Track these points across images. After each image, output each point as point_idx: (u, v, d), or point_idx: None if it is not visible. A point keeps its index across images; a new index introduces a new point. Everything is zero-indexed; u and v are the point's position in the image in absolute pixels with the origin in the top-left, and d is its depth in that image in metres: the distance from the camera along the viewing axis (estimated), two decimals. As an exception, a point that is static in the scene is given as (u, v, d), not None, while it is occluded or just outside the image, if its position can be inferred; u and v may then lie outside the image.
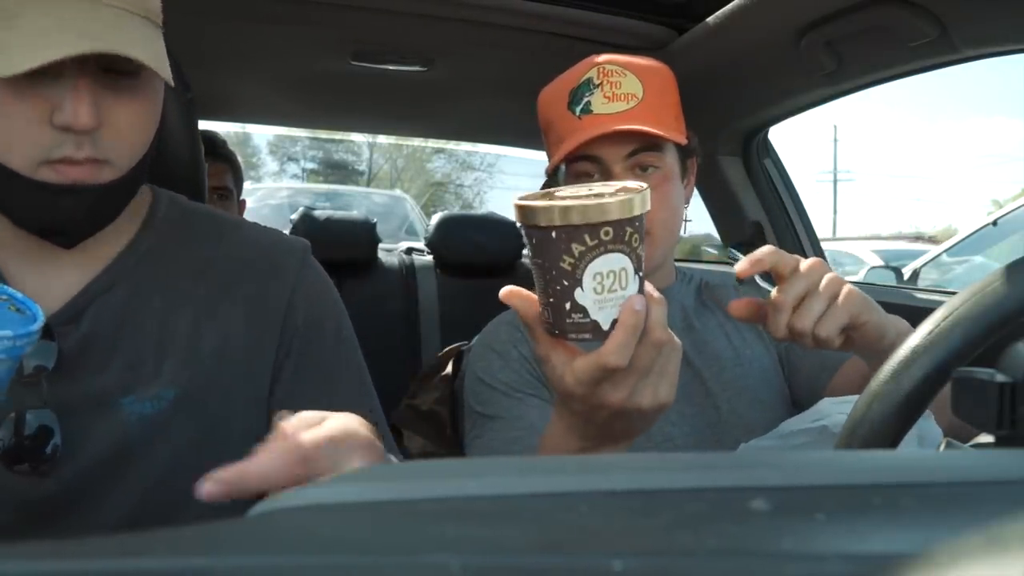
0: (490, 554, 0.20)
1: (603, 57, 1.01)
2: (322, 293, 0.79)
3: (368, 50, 1.58)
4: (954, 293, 0.54)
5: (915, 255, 5.30)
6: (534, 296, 0.61)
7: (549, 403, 0.96)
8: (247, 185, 2.13)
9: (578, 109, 0.98)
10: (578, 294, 0.56)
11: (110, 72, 0.64)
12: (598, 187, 0.60)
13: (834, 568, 0.19)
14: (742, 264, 0.76)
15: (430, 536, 0.22)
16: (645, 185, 0.58)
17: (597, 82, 0.98)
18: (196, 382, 0.71)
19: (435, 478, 0.25)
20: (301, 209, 2.03)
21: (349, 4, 1.34)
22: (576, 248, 0.55)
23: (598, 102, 0.97)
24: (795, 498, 0.24)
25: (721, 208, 1.83)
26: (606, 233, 0.55)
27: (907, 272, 3.80)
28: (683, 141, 0.99)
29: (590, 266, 0.56)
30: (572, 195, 0.58)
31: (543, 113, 1.05)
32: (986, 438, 0.43)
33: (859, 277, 3.52)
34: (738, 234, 1.82)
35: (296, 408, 0.71)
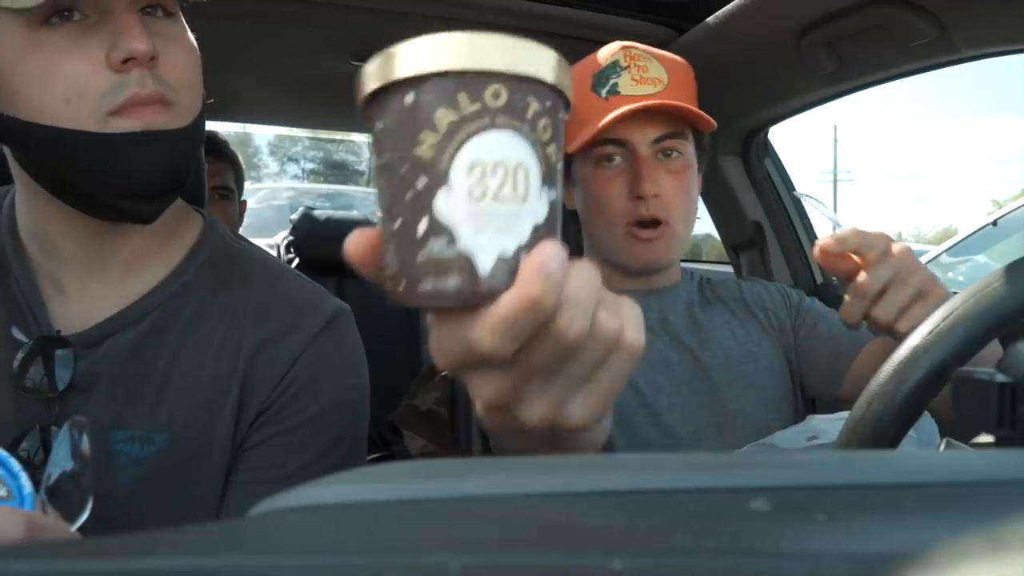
0: (490, 554, 0.20)
1: (627, 43, 1.00)
2: (332, 362, 0.72)
3: (368, 50, 1.57)
4: (954, 293, 0.54)
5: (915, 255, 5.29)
6: (377, 234, 0.37)
7: None
8: (247, 185, 2.13)
9: (604, 91, 0.96)
10: (441, 199, 0.33)
11: (148, 15, 0.63)
12: None
13: (834, 568, 0.19)
14: (827, 240, 0.72)
15: (430, 536, 0.22)
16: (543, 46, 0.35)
17: (624, 64, 0.97)
18: (189, 427, 0.68)
19: (435, 478, 0.25)
20: (301, 209, 2.03)
21: (349, 4, 1.34)
22: (444, 116, 0.33)
23: (626, 83, 0.96)
24: (795, 498, 0.24)
25: (721, 208, 1.83)
26: (495, 94, 0.34)
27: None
28: (712, 122, 0.97)
29: (465, 148, 0.33)
30: None
31: None
32: (986, 438, 0.43)
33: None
34: (738, 234, 1.82)
35: (251, 462, 0.69)
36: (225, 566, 0.19)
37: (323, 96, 1.97)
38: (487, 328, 0.33)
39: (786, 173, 1.78)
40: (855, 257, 0.74)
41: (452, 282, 0.33)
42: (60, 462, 0.53)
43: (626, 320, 0.37)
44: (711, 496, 0.24)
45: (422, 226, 0.34)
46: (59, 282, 0.70)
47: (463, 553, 0.20)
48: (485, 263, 0.33)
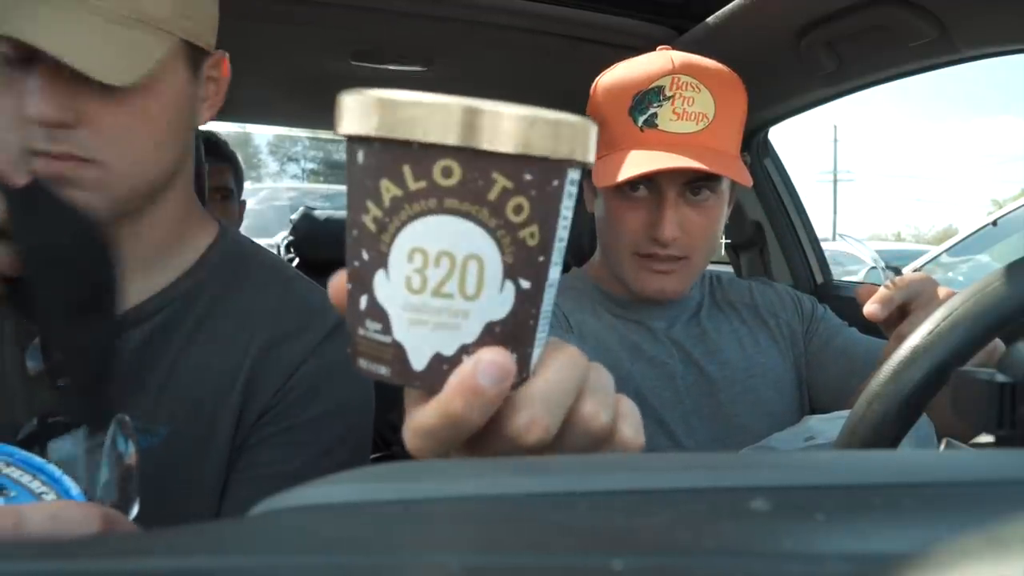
0: (490, 554, 0.20)
1: (679, 60, 0.91)
2: (337, 368, 0.73)
3: (368, 50, 1.57)
4: (954, 293, 0.54)
5: (915, 255, 5.30)
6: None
7: None
8: (248, 185, 2.13)
9: (641, 120, 0.89)
10: (380, 281, 0.30)
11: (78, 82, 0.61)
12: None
13: (834, 568, 0.19)
14: (872, 307, 0.70)
15: (430, 536, 0.22)
16: (574, 118, 0.31)
17: (669, 94, 0.89)
18: (190, 421, 0.69)
19: (435, 478, 0.25)
20: (301, 209, 2.03)
21: (349, 4, 1.34)
22: (387, 189, 0.29)
23: (665, 117, 0.89)
24: (795, 498, 0.24)
25: (728, 215, 1.83)
26: (445, 172, 0.28)
27: (907, 272, 3.79)
28: (748, 182, 0.90)
29: (406, 230, 0.29)
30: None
31: (599, 107, 0.95)
32: (986, 438, 0.43)
33: (859, 277, 3.52)
34: (738, 234, 1.82)
35: (253, 458, 0.70)
36: (225, 566, 0.19)
37: (323, 96, 1.97)
38: (410, 430, 0.31)
39: (786, 173, 1.78)
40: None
41: (384, 369, 0.31)
42: (105, 470, 0.52)
43: (622, 417, 0.35)
44: (711, 496, 0.24)
45: (363, 302, 0.31)
46: None
47: (463, 553, 0.20)
48: (419, 361, 0.30)
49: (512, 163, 0.29)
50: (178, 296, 0.72)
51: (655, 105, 0.89)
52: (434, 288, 0.29)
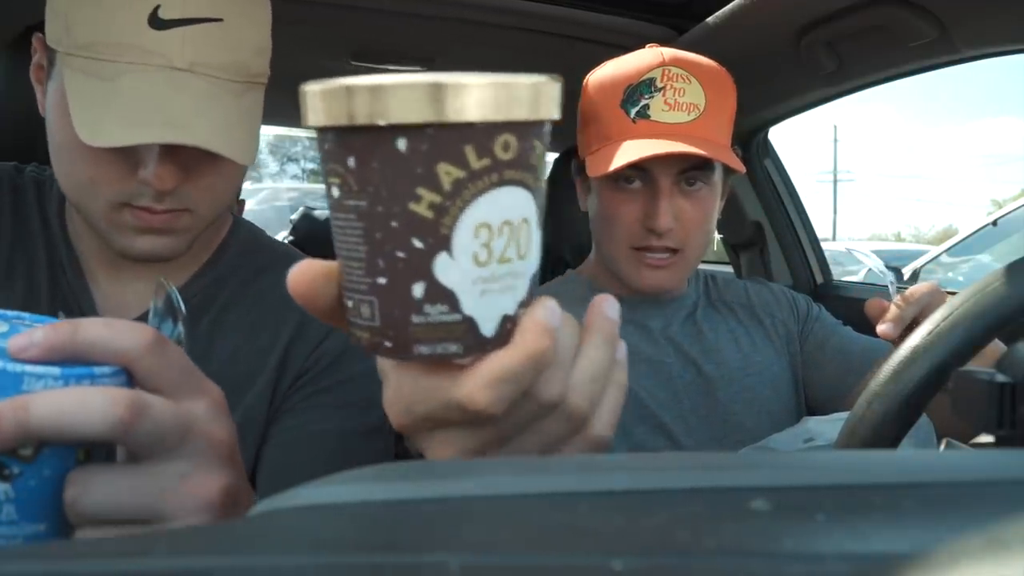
0: (490, 554, 0.20)
1: (669, 55, 0.93)
2: None
3: (368, 50, 1.57)
4: (954, 293, 0.54)
5: (915, 255, 5.30)
6: (328, 271, 0.33)
7: None
8: (248, 185, 2.13)
9: (633, 111, 0.90)
10: (441, 264, 0.30)
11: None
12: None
13: (834, 568, 0.19)
14: (885, 327, 0.73)
15: (430, 536, 0.22)
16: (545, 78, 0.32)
17: (660, 85, 0.90)
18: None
19: (435, 478, 0.25)
20: (301, 209, 2.03)
21: (349, 4, 1.34)
22: (448, 173, 0.29)
23: (657, 108, 0.90)
24: (795, 498, 0.24)
25: (721, 208, 1.83)
26: (504, 146, 0.30)
27: (907, 272, 3.80)
28: (741, 168, 0.91)
29: (471, 208, 0.30)
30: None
31: (592, 102, 0.96)
32: (986, 438, 0.43)
33: (859, 277, 3.52)
34: (738, 234, 1.82)
35: (290, 421, 0.72)
36: (225, 566, 0.19)
37: (323, 96, 1.97)
38: (483, 383, 0.31)
39: (786, 173, 1.78)
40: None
41: (453, 347, 0.31)
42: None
43: (599, 406, 0.36)
44: (711, 496, 0.24)
45: (417, 290, 0.30)
46: (96, 276, 0.73)
47: (463, 553, 0.20)
48: (489, 327, 0.31)
49: (543, 127, 0.32)
50: (203, 286, 0.75)
51: (647, 97, 0.90)
52: (499, 257, 0.31)
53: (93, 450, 0.36)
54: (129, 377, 0.35)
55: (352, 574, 0.19)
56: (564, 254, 1.64)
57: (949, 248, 4.45)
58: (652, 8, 1.42)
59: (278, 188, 7.70)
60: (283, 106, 2.35)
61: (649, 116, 0.90)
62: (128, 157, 0.62)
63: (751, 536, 0.21)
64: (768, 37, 1.31)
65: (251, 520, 0.23)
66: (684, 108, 0.90)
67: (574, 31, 1.43)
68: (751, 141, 1.71)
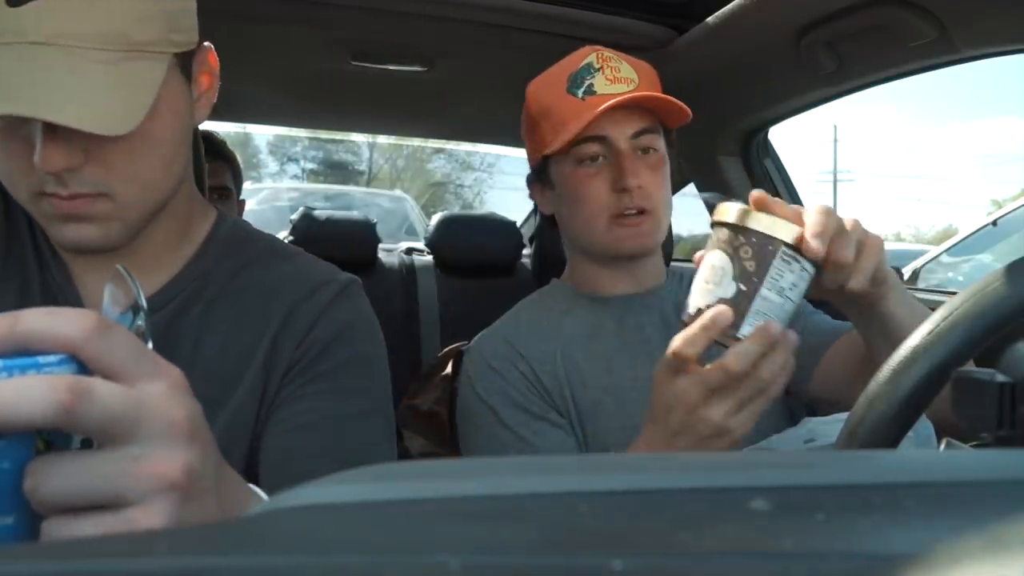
0: (490, 554, 0.20)
1: (596, 46, 1.04)
2: (348, 323, 0.76)
3: (368, 50, 1.57)
4: (954, 293, 0.54)
5: (915, 255, 5.30)
6: None
7: (558, 427, 0.96)
8: (248, 185, 2.13)
9: (580, 91, 1.00)
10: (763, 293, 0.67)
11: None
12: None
13: (834, 568, 0.19)
14: (758, 193, 0.71)
15: (430, 536, 0.22)
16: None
17: (597, 66, 1.01)
18: (218, 401, 0.71)
19: (435, 478, 0.25)
20: (301, 209, 2.03)
21: (349, 4, 1.34)
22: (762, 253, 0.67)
23: (601, 83, 0.99)
24: (795, 498, 0.24)
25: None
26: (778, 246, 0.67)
27: (907, 272, 3.80)
28: (689, 114, 1.01)
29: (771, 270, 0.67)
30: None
31: (539, 100, 1.05)
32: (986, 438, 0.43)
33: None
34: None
35: (284, 413, 0.72)
36: (225, 566, 0.19)
37: (323, 96, 1.97)
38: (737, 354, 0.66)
39: (786, 173, 1.78)
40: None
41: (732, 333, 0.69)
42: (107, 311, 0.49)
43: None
44: (711, 496, 0.24)
45: (751, 306, 0.68)
46: (81, 277, 0.72)
47: (463, 553, 0.20)
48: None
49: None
50: (189, 281, 0.74)
51: (589, 78, 1.01)
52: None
53: (55, 440, 0.36)
54: (83, 365, 0.35)
55: (352, 574, 0.19)
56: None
57: (949, 248, 4.44)
58: (652, 8, 1.42)
59: (278, 188, 7.69)
60: (283, 106, 2.35)
61: (595, 92, 0.99)
62: (24, 144, 0.61)
63: (751, 536, 0.21)
64: (768, 37, 1.31)
65: (251, 520, 0.23)
66: (623, 81, 1.00)
67: (574, 31, 1.43)
68: (751, 141, 1.72)
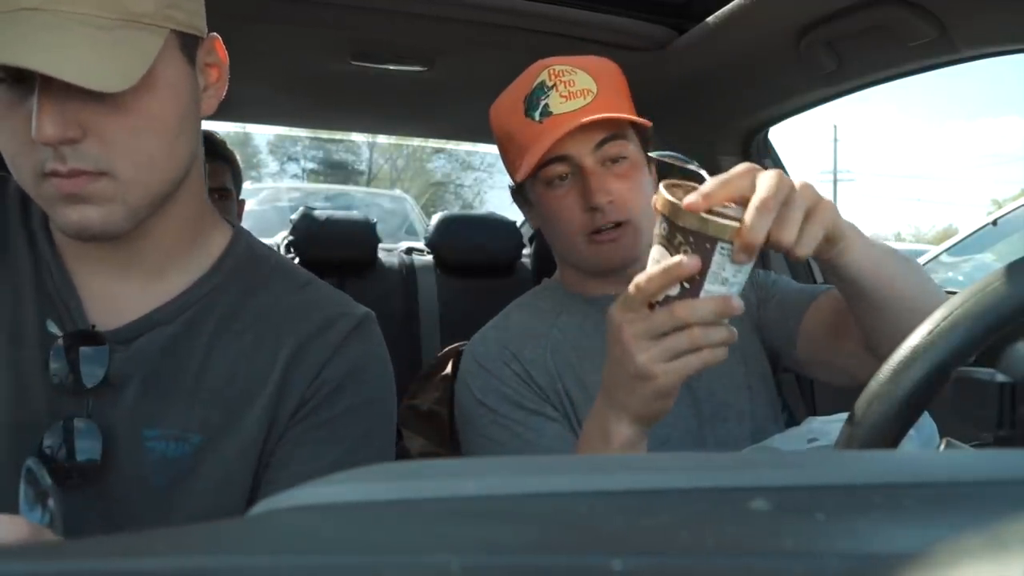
0: (490, 554, 0.20)
1: (548, 60, 1.01)
2: (361, 363, 0.75)
3: (368, 50, 1.57)
4: (954, 293, 0.54)
5: (915, 255, 5.30)
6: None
7: (554, 420, 0.96)
8: (248, 185, 2.13)
9: (537, 114, 0.98)
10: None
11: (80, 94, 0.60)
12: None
13: (834, 568, 0.19)
14: (693, 198, 0.65)
15: (430, 536, 0.22)
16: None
17: (551, 84, 0.98)
18: (222, 428, 0.70)
19: (435, 478, 0.25)
20: (301, 209, 2.03)
21: (349, 4, 1.34)
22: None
23: (556, 102, 0.97)
24: (795, 498, 0.24)
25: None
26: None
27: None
28: (647, 123, 0.99)
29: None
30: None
31: (500, 126, 1.05)
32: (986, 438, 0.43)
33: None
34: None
35: (287, 456, 0.71)
36: (225, 566, 0.19)
37: (323, 96, 1.97)
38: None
39: (786, 173, 1.78)
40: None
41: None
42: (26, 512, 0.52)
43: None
44: (711, 496, 0.24)
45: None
46: (84, 279, 0.71)
47: (463, 553, 0.20)
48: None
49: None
50: (197, 300, 0.72)
51: (544, 98, 0.98)
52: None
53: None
54: None
55: (352, 574, 0.19)
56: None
57: (949, 248, 4.44)
58: (652, 8, 1.42)
59: (278, 188, 7.68)
60: (283, 106, 2.35)
61: (551, 112, 0.97)
62: (23, 119, 0.61)
63: (751, 536, 0.21)
64: (768, 37, 1.31)
65: (251, 520, 0.23)
66: (579, 95, 0.98)
67: (574, 31, 1.43)
68: (751, 141, 1.72)
